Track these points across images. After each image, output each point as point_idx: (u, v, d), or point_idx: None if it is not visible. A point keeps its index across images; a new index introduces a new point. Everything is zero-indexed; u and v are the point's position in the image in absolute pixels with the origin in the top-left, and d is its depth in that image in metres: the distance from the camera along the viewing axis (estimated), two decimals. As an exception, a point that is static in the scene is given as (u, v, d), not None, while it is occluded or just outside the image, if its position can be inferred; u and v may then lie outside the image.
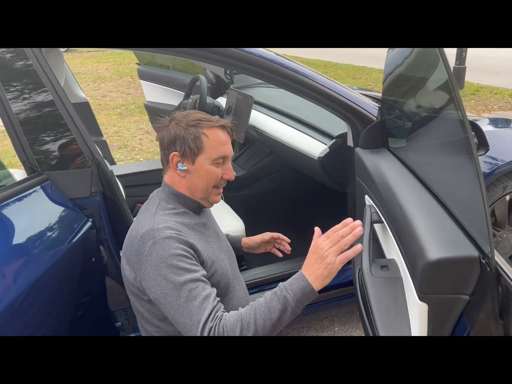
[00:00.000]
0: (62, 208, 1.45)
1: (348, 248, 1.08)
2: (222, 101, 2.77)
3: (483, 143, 1.63)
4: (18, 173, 1.63)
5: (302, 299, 1.08)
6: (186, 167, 1.22)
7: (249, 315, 1.08)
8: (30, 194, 1.36)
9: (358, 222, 1.10)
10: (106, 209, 1.54)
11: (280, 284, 1.11)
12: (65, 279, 1.37)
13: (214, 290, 1.15)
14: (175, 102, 3.09)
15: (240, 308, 1.13)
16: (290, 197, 2.84)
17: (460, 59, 6.58)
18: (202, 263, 1.19)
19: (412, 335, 1.11)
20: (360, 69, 8.93)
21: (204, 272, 1.16)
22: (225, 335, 1.06)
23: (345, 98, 1.72)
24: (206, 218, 1.34)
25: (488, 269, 0.95)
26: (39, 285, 1.23)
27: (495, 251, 0.95)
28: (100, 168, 1.50)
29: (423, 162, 1.42)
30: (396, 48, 1.64)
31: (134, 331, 1.74)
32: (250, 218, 2.34)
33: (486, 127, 2.22)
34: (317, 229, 1.16)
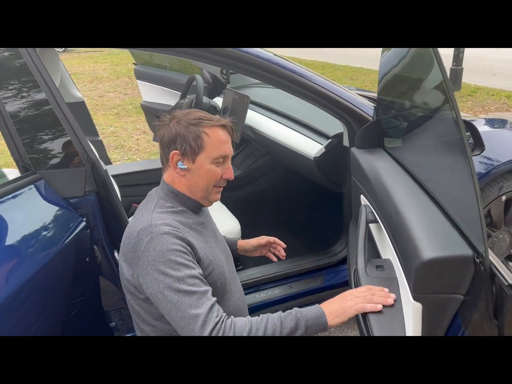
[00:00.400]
0: (56, 207, 1.44)
1: None
2: (218, 101, 2.76)
3: (478, 143, 1.63)
4: (13, 173, 1.62)
5: (313, 327, 1.13)
6: (186, 166, 1.22)
7: (260, 322, 1.10)
8: (22, 193, 1.35)
9: (393, 295, 1.18)
10: (100, 208, 1.53)
11: (296, 308, 1.16)
12: (58, 279, 1.36)
13: (211, 289, 1.15)
14: (172, 102, 3.08)
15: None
16: (286, 197, 2.84)
17: (457, 60, 6.60)
18: (199, 261, 1.19)
19: (407, 335, 1.11)
20: (357, 70, 8.94)
21: (200, 270, 1.16)
22: (230, 335, 1.06)
23: (341, 97, 1.72)
24: (204, 217, 1.34)
25: (482, 268, 0.95)
26: (31, 285, 1.22)
27: (489, 250, 0.95)
28: (94, 167, 1.49)
29: (418, 162, 1.42)
30: (392, 49, 1.64)
31: (128, 331, 1.73)
32: (246, 218, 2.34)
33: (482, 128, 2.22)
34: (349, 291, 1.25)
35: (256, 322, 1.11)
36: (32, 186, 1.40)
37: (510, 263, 2.23)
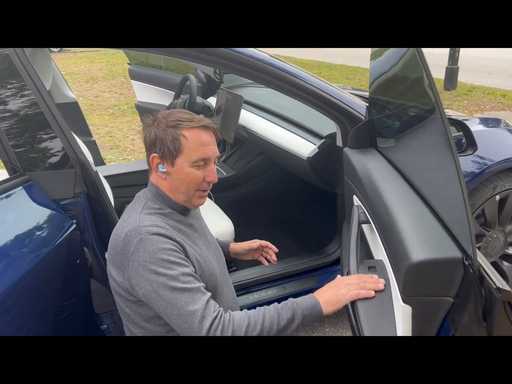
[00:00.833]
0: (45, 209, 1.43)
1: None
2: (213, 100, 2.75)
3: (471, 143, 1.62)
4: (4, 175, 1.60)
5: (309, 317, 1.14)
6: (166, 169, 1.20)
7: (258, 315, 1.11)
8: (11, 195, 1.34)
9: (383, 280, 1.19)
10: (90, 210, 1.52)
11: (291, 298, 1.17)
12: (48, 281, 1.35)
13: (204, 284, 1.14)
14: (166, 102, 3.07)
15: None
16: (280, 198, 2.83)
17: (453, 59, 6.61)
18: (189, 261, 1.18)
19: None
20: (354, 69, 8.93)
21: (193, 268, 1.16)
22: (230, 330, 1.06)
23: (334, 97, 1.71)
24: (194, 219, 1.32)
25: (471, 271, 0.94)
26: (20, 288, 1.21)
27: (478, 253, 0.94)
28: (84, 169, 1.48)
29: (409, 162, 1.41)
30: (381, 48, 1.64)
31: (120, 334, 1.71)
32: (240, 218, 2.32)
33: (476, 127, 2.22)
34: (338, 276, 1.27)
35: (253, 315, 1.11)
36: (21, 188, 1.38)
37: (504, 262, 2.23)
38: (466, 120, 2.16)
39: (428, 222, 1.14)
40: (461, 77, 6.95)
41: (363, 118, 1.73)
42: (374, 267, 1.31)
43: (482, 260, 0.95)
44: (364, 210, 1.47)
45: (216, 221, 2.11)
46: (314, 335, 2.14)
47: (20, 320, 1.24)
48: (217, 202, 2.35)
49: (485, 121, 2.48)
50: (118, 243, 1.15)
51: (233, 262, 2.03)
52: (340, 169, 1.85)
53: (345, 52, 10.34)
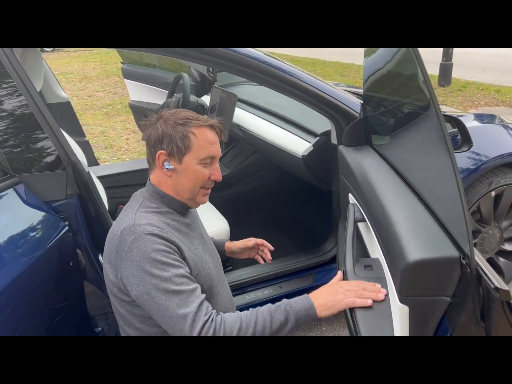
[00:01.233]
0: (36, 211, 1.41)
1: None
2: (206, 99, 2.74)
3: (466, 139, 1.62)
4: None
5: (302, 319, 1.12)
6: (172, 166, 1.20)
7: (250, 317, 1.09)
8: (0, 197, 1.31)
9: (384, 290, 1.15)
10: (83, 211, 1.50)
11: (285, 299, 1.15)
12: (41, 284, 1.33)
13: (199, 286, 1.13)
14: (160, 101, 3.06)
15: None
16: (275, 196, 2.82)
17: (447, 55, 6.62)
18: (184, 262, 1.17)
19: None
20: (348, 66, 8.93)
21: (188, 269, 1.15)
22: (221, 332, 1.05)
23: (328, 95, 1.70)
24: (191, 219, 1.31)
25: (469, 270, 0.93)
26: (12, 290, 1.19)
27: (476, 252, 0.93)
28: (76, 170, 1.46)
29: (405, 160, 1.40)
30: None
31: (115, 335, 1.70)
32: (235, 217, 2.31)
33: (471, 123, 2.21)
34: (339, 273, 1.25)
35: (246, 318, 1.09)
36: (11, 190, 1.36)
37: (500, 258, 2.23)
38: (461, 116, 2.16)
39: (424, 220, 1.12)
40: (455, 73, 6.96)
41: (358, 115, 1.72)
42: (370, 266, 1.30)
43: (480, 259, 0.94)
44: (360, 208, 1.46)
45: (212, 221, 2.09)
46: (311, 333, 2.14)
47: (13, 323, 1.22)
48: (212, 201, 2.33)
49: (480, 117, 2.47)
50: (114, 241, 1.15)
51: (229, 262, 2.02)
52: (335, 167, 1.84)
53: (339, 49, 10.33)
